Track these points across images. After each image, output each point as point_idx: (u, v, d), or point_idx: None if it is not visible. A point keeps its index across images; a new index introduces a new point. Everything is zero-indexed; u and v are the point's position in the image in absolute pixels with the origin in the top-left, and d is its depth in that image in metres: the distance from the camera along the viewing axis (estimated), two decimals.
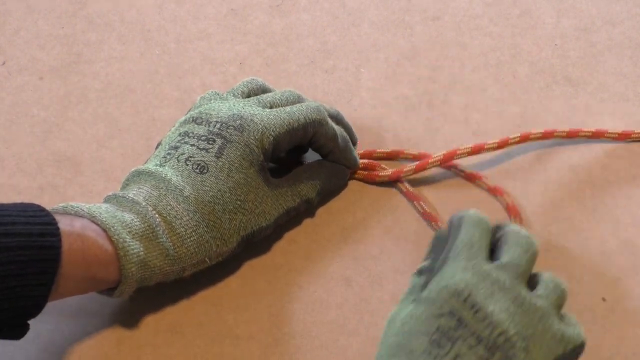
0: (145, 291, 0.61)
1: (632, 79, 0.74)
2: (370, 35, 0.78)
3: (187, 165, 0.60)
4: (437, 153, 0.66)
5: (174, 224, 0.57)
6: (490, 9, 0.79)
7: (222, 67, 0.76)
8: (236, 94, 0.66)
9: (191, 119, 0.63)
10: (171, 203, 0.58)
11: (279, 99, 0.65)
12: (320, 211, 0.66)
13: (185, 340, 0.59)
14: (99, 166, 0.69)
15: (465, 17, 0.79)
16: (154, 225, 0.57)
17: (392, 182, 0.67)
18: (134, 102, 0.73)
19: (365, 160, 0.68)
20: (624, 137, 0.69)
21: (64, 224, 0.54)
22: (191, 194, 0.58)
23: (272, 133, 0.61)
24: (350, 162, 0.67)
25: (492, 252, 0.56)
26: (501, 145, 0.67)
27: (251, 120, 0.61)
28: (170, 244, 0.57)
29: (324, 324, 0.60)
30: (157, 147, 0.63)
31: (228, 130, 0.61)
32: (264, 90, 0.67)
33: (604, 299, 0.61)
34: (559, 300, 0.55)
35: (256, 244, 0.62)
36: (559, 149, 0.69)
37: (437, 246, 0.57)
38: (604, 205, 0.66)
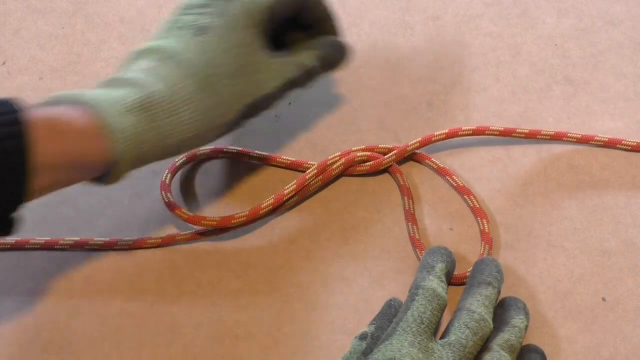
0: (145, 291, 0.61)
1: (632, 79, 0.74)
2: (370, 35, 0.78)
3: (188, 30, 0.58)
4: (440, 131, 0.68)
5: (171, 92, 0.55)
6: (490, 9, 0.79)
7: None
8: None
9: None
10: (166, 71, 0.56)
11: None
12: (320, 211, 0.66)
13: (185, 340, 0.59)
14: None
15: (465, 17, 0.79)
16: (147, 96, 0.55)
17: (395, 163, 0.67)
18: None
19: (368, 153, 0.68)
20: None
21: (40, 116, 0.51)
22: (189, 58, 0.57)
23: None
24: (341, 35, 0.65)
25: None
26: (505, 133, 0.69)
27: None
28: (167, 113, 0.55)
29: (324, 324, 0.60)
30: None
31: None
32: None
33: (604, 299, 0.61)
34: None
35: (257, 244, 0.62)
36: (559, 149, 0.69)
37: (385, 313, 0.57)
38: (604, 205, 0.66)
